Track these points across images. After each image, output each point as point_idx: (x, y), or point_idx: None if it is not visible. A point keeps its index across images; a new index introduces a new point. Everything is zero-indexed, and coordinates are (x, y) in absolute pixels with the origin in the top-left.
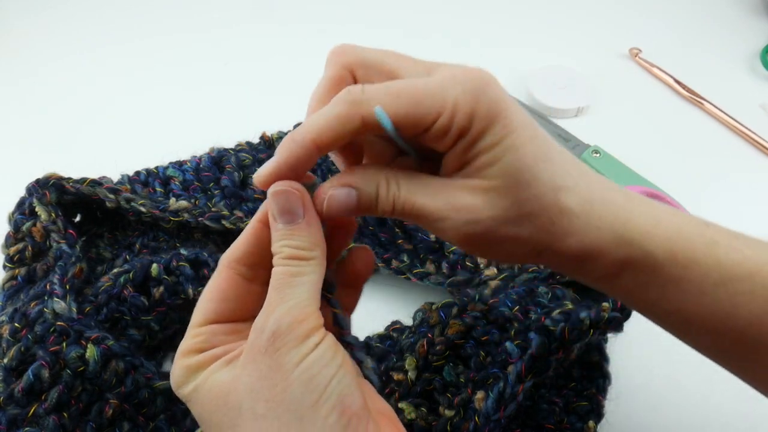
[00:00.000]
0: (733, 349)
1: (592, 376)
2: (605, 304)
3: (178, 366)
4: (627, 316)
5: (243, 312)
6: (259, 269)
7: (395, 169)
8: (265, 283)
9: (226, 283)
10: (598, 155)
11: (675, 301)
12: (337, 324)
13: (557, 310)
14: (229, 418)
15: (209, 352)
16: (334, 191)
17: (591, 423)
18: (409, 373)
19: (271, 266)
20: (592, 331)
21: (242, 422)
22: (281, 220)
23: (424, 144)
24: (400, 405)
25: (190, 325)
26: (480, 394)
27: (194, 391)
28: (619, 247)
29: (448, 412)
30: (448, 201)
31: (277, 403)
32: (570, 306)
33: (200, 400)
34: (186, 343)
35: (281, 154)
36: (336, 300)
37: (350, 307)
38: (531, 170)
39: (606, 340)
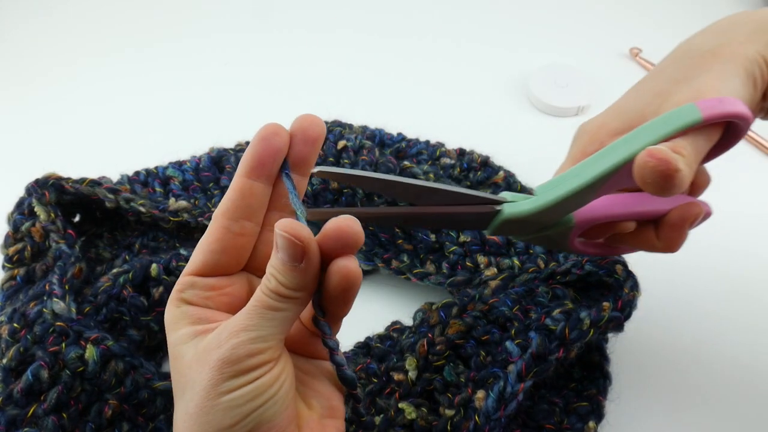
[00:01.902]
0: None
1: (593, 377)
2: (605, 304)
3: (167, 313)
4: (627, 315)
5: (229, 263)
6: (244, 222)
7: None
8: (252, 235)
9: (212, 236)
10: None
11: None
12: (318, 327)
13: (557, 310)
14: (179, 396)
15: (190, 309)
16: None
17: (591, 423)
18: (410, 373)
19: (256, 219)
20: (592, 330)
21: (181, 407)
22: (281, 255)
23: None
24: (400, 405)
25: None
26: (480, 394)
27: (172, 345)
28: None
29: (449, 412)
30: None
31: (200, 415)
32: (570, 305)
33: (173, 356)
34: (173, 290)
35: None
36: (324, 323)
37: (341, 314)
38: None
39: (606, 341)
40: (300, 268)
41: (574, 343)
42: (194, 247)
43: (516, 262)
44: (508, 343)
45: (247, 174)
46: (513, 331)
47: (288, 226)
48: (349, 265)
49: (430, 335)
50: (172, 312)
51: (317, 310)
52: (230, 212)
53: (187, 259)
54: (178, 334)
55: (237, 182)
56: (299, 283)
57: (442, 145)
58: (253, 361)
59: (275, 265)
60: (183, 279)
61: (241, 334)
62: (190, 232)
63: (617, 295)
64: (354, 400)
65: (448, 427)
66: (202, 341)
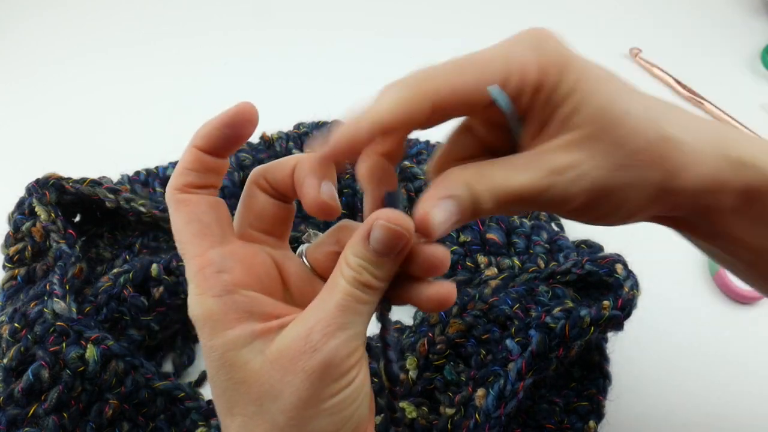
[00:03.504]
0: None
1: (593, 377)
2: (605, 303)
3: (198, 306)
4: (628, 314)
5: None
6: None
7: (474, 163)
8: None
9: (196, 205)
10: None
11: None
12: (382, 322)
13: (558, 308)
14: (245, 406)
15: (230, 300)
16: (434, 209)
17: (591, 423)
18: (410, 373)
19: (216, 170)
20: (592, 328)
21: (259, 421)
22: (375, 247)
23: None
24: (401, 404)
25: (186, 259)
26: (480, 392)
27: (213, 350)
28: (737, 173)
29: (449, 411)
30: (546, 167)
31: (301, 425)
32: (570, 305)
33: (217, 365)
34: (198, 276)
35: (336, 138)
36: (389, 318)
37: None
38: (618, 106)
39: (606, 340)
40: (395, 259)
41: (574, 341)
42: None
43: (516, 261)
44: (508, 341)
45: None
46: (513, 330)
47: (392, 217)
48: (437, 252)
49: (430, 334)
50: (208, 304)
51: (385, 303)
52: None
53: None
54: (230, 337)
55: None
56: (390, 273)
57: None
58: (352, 361)
59: (367, 257)
60: (208, 257)
61: (338, 333)
62: None
63: (617, 294)
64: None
65: (449, 426)
66: (271, 344)
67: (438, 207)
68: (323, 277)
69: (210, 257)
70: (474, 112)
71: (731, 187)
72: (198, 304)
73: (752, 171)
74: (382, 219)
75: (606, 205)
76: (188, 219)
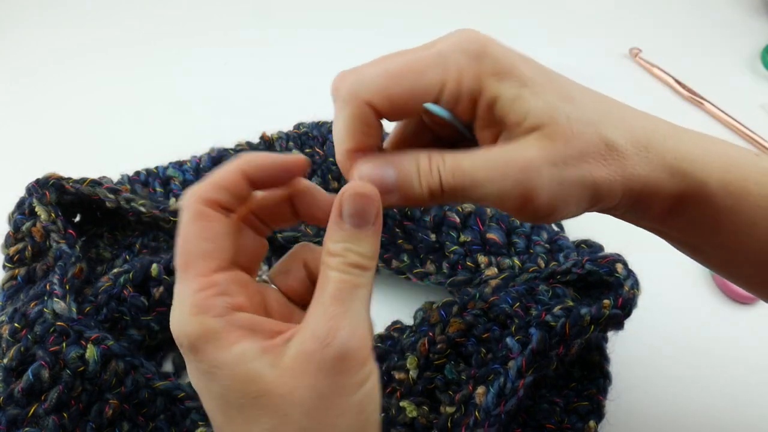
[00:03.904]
0: None
1: (593, 376)
2: (606, 301)
3: (194, 326)
4: (628, 313)
5: (231, 253)
6: (239, 205)
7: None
8: (239, 218)
9: (214, 220)
10: None
11: (726, 233)
12: None
13: (558, 306)
14: (266, 420)
15: (232, 318)
16: (366, 172)
17: (592, 423)
18: (411, 372)
19: (244, 199)
20: (592, 327)
21: (285, 430)
22: (350, 221)
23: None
24: (401, 404)
25: (189, 275)
26: (481, 389)
27: (219, 368)
28: (673, 179)
29: (449, 409)
30: (501, 157)
31: (328, 425)
32: (571, 303)
33: (227, 383)
34: (197, 296)
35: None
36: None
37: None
38: (562, 110)
39: (606, 340)
40: (373, 231)
41: (574, 339)
42: None
43: (516, 261)
44: (508, 340)
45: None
46: (513, 328)
47: (356, 185)
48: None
49: (430, 334)
50: (209, 323)
51: None
52: (231, 187)
53: None
54: (237, 351)
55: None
56: (373, 248)
57: None
58: (364, 353)
59: (346, 237)
60: (213, 279)
61: (343, 324)
62: None
63: (618, 293)
64: None
65: (448, 424)
66: (283, 355)
67: (375, 171)
68: (301, 305)
69: (215, 279)
70: (416, 115)
71: (666, 192)
72: (192, 323)
73: (688, 177)
74: (348, 191)
75: (550, 206)
76: (204, 236)
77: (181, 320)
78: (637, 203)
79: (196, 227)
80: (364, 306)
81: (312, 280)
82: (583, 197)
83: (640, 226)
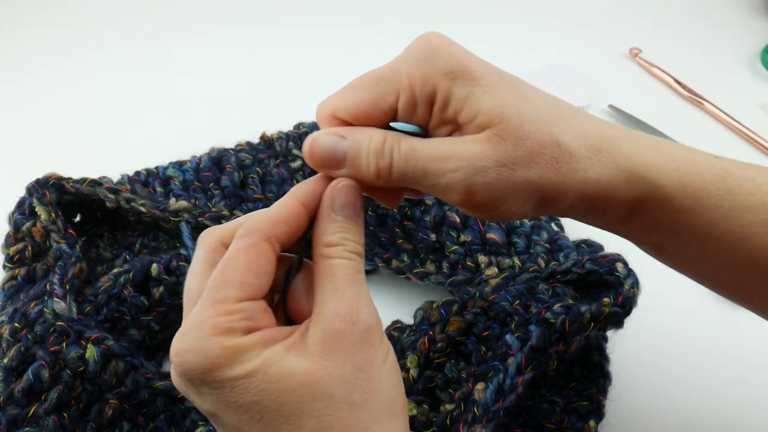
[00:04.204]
0: (749, 283)
1: (593, 376)
2: (606, 300)
3: (215, 345)
4: (628, 312)
5: (267, 289)
6: (285, 249)
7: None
8: (278, 262)
9: (265, 258)
10: None
11: (686, 235)
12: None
13: (558, 304)
14: (313, 408)
15: (260, 333)
16: (320, 135)
17: (592, 423)
18: (411, 371)
19: (291, 248)
20: (592, 324)
21: (334, 411)
22: (343, 213)
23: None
24: None
25: (216, 298)
26: (480, 386)
27: (248, 376)
28: (629, 184)
29: (449, 407)
30: (454, 150)
31: (373, 394)
32: (571, 302)
33: (262, 387)
34: (221, 319)
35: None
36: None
37: None
38: (514, 108)
39: (606, 340)
40: (360, 223)
41: (573, 336)
42: (195, 247)
43: (516, 261)
44: (507, 337)
45: (305, 203)
46: (513, 325)
47: (343, 181)
48: None
49: (431, 333)
50: (233, 344)
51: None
52: (284, 237)
53: (187, 260)
54: (263, 357)
55: (294, 209)
56: (362, 238)
57: None
58: (382, 328)
59: (341, 226)
60: (239, 306)
61: (361, 303)
62: (191, 232)
63: (618, 291)
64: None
65: (447, 422)
66: (307, 345)
67: (327, 137)
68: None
69: (242, 307)
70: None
71: (621, 195)
72: (213, 344)
73: (645, 181)
74: (338, 184)
75: (498, 205)
76: (249, 267)
77: (199, 343)
78: (593, 207)
79: (243, 258)
80: (367, 289)
81: None
82: (529, 199)
83: (602, 228)
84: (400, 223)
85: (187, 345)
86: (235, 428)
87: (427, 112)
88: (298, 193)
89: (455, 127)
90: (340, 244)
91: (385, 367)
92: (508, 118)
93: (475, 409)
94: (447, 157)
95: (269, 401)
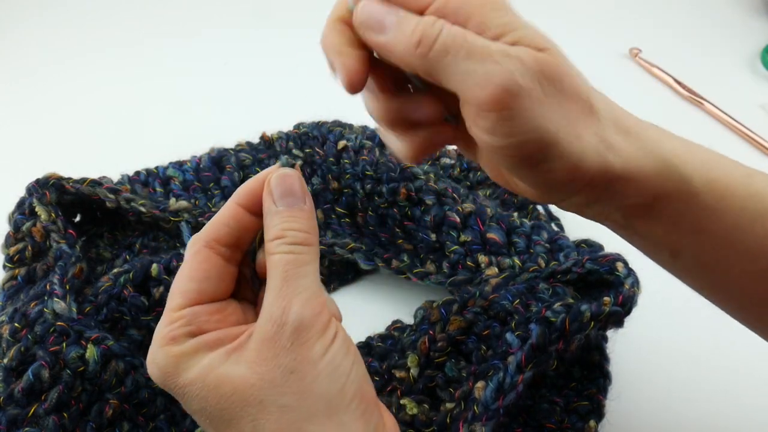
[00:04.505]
0: (764, 293)
1: (593, 376)
2: (606, 299)
3: (163, 355)
4: (628, 311)
5: (221, 292)
6: (236, 251)
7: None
8: (238, 264)
9: (207, 263)
10: None
11: (708, 235)
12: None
13: (558, 303)
14: (247, 413)
15: (199, 339)
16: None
17: (592, 422)
18: (411, 371)
19: (245, 248)
20: (592, 323)
21: (265, 415)
22: (282, 203)
23: None
24: (402, 401)
25: (166, 309)
26: (480, 384)
27: (191, 384)
28: (656, 171)
29: (449, 406)
30: (504, 49)
31: (306, 394)
32: (571, 301)
33: (203, 394)
34: (166, 329)
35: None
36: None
37: None
38: (559, 52)
39: (606, 340)
40: (306, 209)
41: (574, 335)
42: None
43: (517, 261)
44: (508, 335)
45: (243, 203)
46: (513, 324)
47: (279, 169)
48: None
49: (431, 332)
50: (176, 351)
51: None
52: (225, 239)
53: None
54: (204, 364)
55: (232, 210)
56: (310, 224)
57: None
58: (323, 319)
59: (283, 217)
60: (180, 313)
61: (294, 300)
62: (191, 232)
63: (618, 290)
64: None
65: (447, 420)
66: (246, 349)
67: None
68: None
69: (182, 314)
70: None
71: (646, 180)
72: (161, 354)
73: (672, 169)
74: (272, 175)
75: (525, 121)
76: (191, 275)
77: (152, 354)
78: (611, 187)
79: (187, 267)
80: (314, 279)
81: None
82: (548, 145)
83: (613, 226)
84: (400, 223)
85: (149, 357)
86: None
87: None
88: (236, 195)
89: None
90: (280, 237)
91: (323, 362)
92: (554, 53)
93: (475, 408)
94: (496, 49)
95: (211, 408)
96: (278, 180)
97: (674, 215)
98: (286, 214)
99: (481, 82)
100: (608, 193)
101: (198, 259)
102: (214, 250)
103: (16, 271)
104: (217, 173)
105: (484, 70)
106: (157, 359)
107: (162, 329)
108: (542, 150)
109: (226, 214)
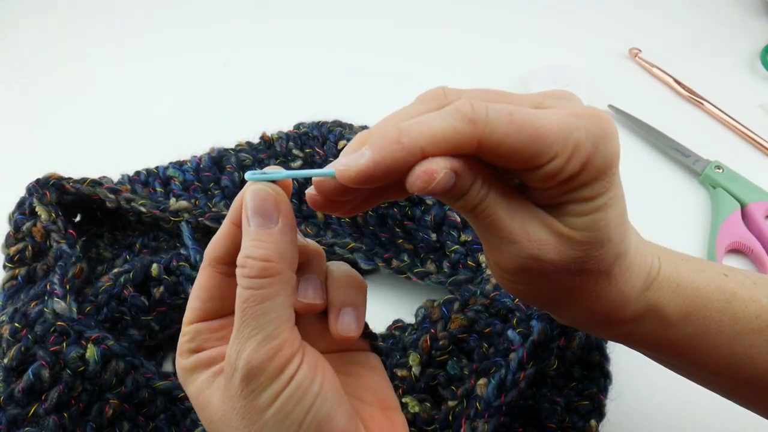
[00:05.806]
0: (749, 392)
1: (594, 376)
2: None
3: (178, 366)
4: None
5: (225, 308)
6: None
7: (488, 168)
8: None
9: (209, 281)
10: (720, 170)
11: (687, 354)
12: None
13: None
14: None
15: (197, 357)
16: (443, 172)
17: (593, 422)
18: (413, 369)
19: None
20: None
21: None
22: (254, 222)
23: (524, 179)
24: (404, 399)
25: (182, 324)
26: (482, 381)
27: (193, 398)
28: (637, 305)
29: (451, 404)
30: (525, 228)
31: None
32: None
33: (198, 410)
34: (179, 342)
35: (380, 153)
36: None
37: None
38: (609, 231)
39: (606, 340)
40: (278, 231)
41: (575, 331)
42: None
43: None
44: (509, 332)
45: (236, 222)
46: (514, 321)
47: (256, 185)
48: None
49: (432, 331)
50: (182, 365)
51: None
52: (224, 257)
53: (187, 260)
54: (198, 383)
55: (228, 229)
56: (278, 249)
57: None
58: (277, 363)
59: (252, 239)
60: (186, 329)
61: (247, 344)
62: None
63: None
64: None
65: (450, 418)
66: (222, 378)
67: (447, 174)
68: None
69: (188, 329)
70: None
71: (627, 314)
72: (177, 365)
73: (648, 304)
74: (246, 191)
75: (528, 289)
76: (196, 294)
77: (176, 363)
78: (599, 323)
79: (196, 284)
80: (274, 316)
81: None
82: (555, 299)
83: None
84: (400, 222)
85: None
86: None
87: (554, 185)
88: (230, 212)
89: (556, 202)
90: (241, 266)
91: (269, 412)
92: (598, 237)
93: (477, 405)
94: (516, 229)
95: (206, 421)
96: (252, 194)
97: (650, 336)
98: (256, 235)
99: (504, 260)
100: (596, 326)
101: (202, 277)
102: (216, 269)
103: (17, 271)
104: (217, 173)
105: (509, 251)
106: (176, 366)
107: (179, 340)
108: (548, 302)
109: (223, 233)
